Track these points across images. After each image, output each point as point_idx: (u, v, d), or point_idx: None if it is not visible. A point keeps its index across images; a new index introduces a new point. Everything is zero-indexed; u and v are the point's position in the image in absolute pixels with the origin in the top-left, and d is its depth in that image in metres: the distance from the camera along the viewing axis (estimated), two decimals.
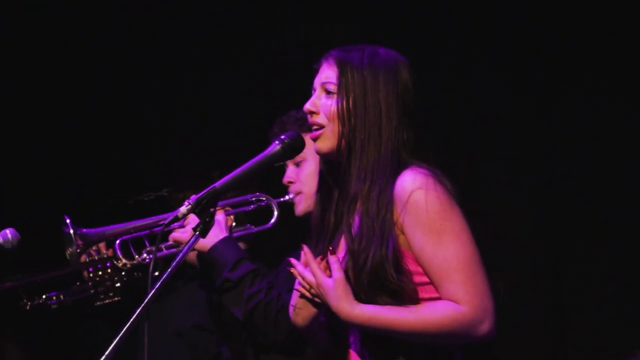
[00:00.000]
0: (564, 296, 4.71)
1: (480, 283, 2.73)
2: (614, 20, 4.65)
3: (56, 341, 5.32)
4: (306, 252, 2.85)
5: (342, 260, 2.81)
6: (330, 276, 2.78)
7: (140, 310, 2.66)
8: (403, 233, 2.77)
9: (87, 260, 4.10)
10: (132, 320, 2.66)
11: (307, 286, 2.84)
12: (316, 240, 2.94)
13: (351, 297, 2.76)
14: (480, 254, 2.77)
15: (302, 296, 2.87)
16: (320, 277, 2.79)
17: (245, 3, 5.29)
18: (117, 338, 2.62)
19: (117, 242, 3.76)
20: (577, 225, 4.68)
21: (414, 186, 2.74)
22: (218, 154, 5.07)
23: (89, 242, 3.73)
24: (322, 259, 2.82)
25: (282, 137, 2.96)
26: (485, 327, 2.72)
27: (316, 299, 2.84)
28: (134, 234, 3.73)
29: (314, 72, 2.96)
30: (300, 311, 2.92)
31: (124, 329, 2.64)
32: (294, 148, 2.96)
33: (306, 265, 2.84)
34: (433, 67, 4.85)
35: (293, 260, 2.89)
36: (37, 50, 5.40)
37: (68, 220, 3.70)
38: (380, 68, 2.86)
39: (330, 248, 2.81)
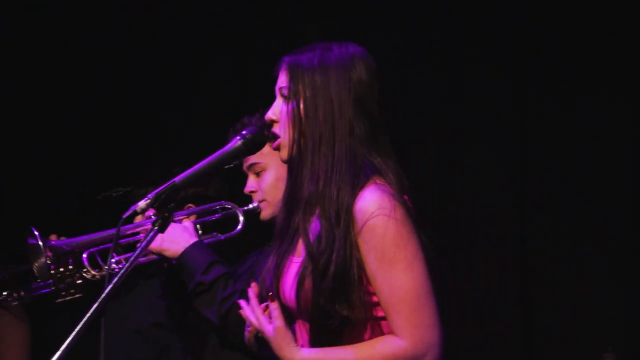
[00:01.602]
0: (533, 296, 4.73)
1: (425, 316, 2.70)
2: (592, 17, 4.67)
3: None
4: (251, 297, 2.85)
5: (301, 264, 2.77)
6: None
7: (97, 307, 2.62)
8: (359, 251, 2.73)
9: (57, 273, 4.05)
10: (88, 316, 2.61)
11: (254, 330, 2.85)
12: (278, 244, 2.91)
13: (292, 343, 2.76)
14: (431, 285, 2.73)
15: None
16: (262, 325, 2.79)
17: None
18: (72, 335, 2.57)
19: (85, 254, 3.70)
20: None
21: (374, 209, 2.69)
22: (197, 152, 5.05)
23: (58, 253, 3.67)
24: (265, 308, 2.81)
25: (244, 132, 2.92)
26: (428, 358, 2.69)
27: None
28: (101, 246, 3.69)
29: (275, 80, 2.90)
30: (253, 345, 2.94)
31: (80, 326, 2.59)
32: (255, 143, 2.92)
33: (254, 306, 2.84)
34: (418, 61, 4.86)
35: (242, 303, 2.88)
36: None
37: (36, 233, 3.65)
38: (330, 66, 2.78)
39: (271, 294, 2.80)
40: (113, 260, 3.63)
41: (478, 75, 4.84)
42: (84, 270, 3.72)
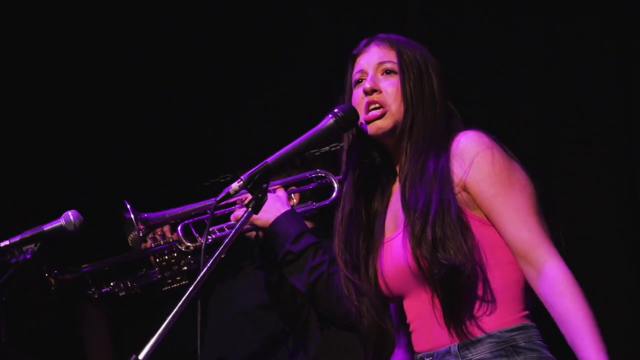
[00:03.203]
0: None
1: (547, 231, 2.74)
2: None
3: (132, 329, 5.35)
4: None
5: (402, 235, 2.78)
6: None
7: (191, 290, 2.62)
8: (466, 190, 2.77)
9: (153, 245, 4.10)
10: (184, 298, 2.61)
11: None
12: (346, 229, 2.93)
13: None
14: None
15: None
16: None
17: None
18: (170, 317, 2.58)
19: (179, 226, 3.75)
20: None
21: (480, 143, 2.79)
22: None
23: (150, 226, 3.73)
24: None
25: (336, 110, 2.92)
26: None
27: None
28: (195, 217, 3.72)
29: (352, 58, 2.99)
30: None
31: (177, 308, 2.59)
32: (348, 121, 2.91)
33: None
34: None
35: None
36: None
37: (128, 206, 3.71)
38: (423, 51, 2.97)
39: None
40: (209, 237, 3.67)
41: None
42: (178, 241, 3.75)
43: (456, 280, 2.71)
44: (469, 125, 2.91)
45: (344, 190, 2.98)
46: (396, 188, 2.93)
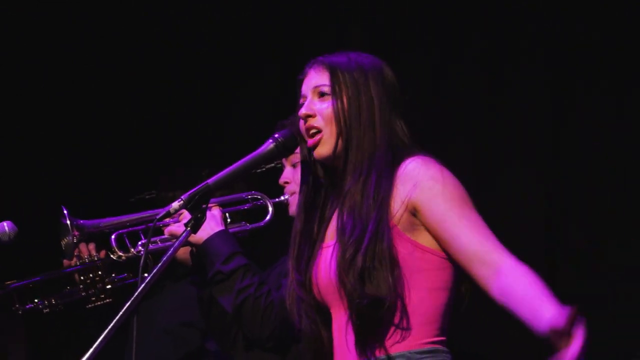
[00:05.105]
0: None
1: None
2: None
3: (53, 342, 5.32)
4: None
5: (333, 248, 2.81)
6: None
7: (129, 306, 2.64)
8: (411, 211, 2.79)
9: (78, 262, 4.08)
10: (120, 315, 2.63)
11: None
12: (299, 243, 2.94)
13: None
14: None
15: None
16: None
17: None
18: (105, 333, 2.60)
19: (113, 235, 3.75)
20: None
21: (429, 166, 2.80)
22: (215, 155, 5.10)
23: (84, 233, 3.73)
24: None
25: (276, 135, 2.98)
26: None
27: None
28: (129, 228, 3.73)
29: (298, 83, 2.98)
30: None
31: (112, 325, 2.62)
32: (287, 147, 2.97)
33: None
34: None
35: None
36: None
37: (65, 211, 3.71)
38: (367, 67, 2.91)
39: None
40: (140, 243, 3.70)
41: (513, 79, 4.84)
42: (111, 251, 3.77)
43: (376, 311, 2.74)
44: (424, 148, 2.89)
45: (297, 209, 3.00)
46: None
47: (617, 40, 4.64)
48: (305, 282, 2.90)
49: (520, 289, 2.67)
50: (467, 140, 4.87)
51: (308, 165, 2.97)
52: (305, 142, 2.93)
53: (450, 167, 2.86)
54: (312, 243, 2.91)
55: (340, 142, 2.87)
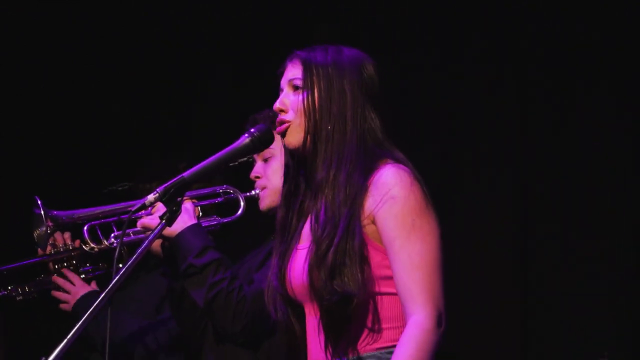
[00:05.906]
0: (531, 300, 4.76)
1: (437, 285, 2.75)
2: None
3: (27, 331, 5.34)
4: None
5: (307, 250, 2.82)
6: None
7: (104, 297, 2.66)
8: (374, 223, 2.79)
9: (53, 251, 4.10)
10: (94, 306, 2.65)
11: None
12: (281, 235, 2.96)
13: None
14: (444, 259, 2.79)
15: None
16: None
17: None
18: (79, 324, 2.61)
19: (86, 226, 3.76)
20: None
21: (394, 182, 2.78)
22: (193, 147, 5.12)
23: (58, 223, 3.75)
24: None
25: (252, 130, 2.98)
26: (442, 329, 2.73)
27: None
28: (102, 220, 3.74)
29: (279, 77, 2.98)
30: None
31: (86, 315, 2.63)
32: (263, 141, 2.98)
33: None
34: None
35: None
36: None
37: (39, 202, 3.72)
38: (344, 62, 2.90)
39: None
40: (113, 235, 3.73)
41: (479, 76, 4.89)
42: (84, 242, 3.79)
43: (344, 309, 2.76)
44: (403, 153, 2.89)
45: (280, 198, 3.01)
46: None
47: (617, 40, 4.69)
48: (280, 278, 2.91)
49: (401, 346, 2.70)
50: (468, 139, 4.90)
51: (288, 154, 2.98)
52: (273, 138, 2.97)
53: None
54: (289, 237, 2.93)
55: (309, 134, 2.87)
